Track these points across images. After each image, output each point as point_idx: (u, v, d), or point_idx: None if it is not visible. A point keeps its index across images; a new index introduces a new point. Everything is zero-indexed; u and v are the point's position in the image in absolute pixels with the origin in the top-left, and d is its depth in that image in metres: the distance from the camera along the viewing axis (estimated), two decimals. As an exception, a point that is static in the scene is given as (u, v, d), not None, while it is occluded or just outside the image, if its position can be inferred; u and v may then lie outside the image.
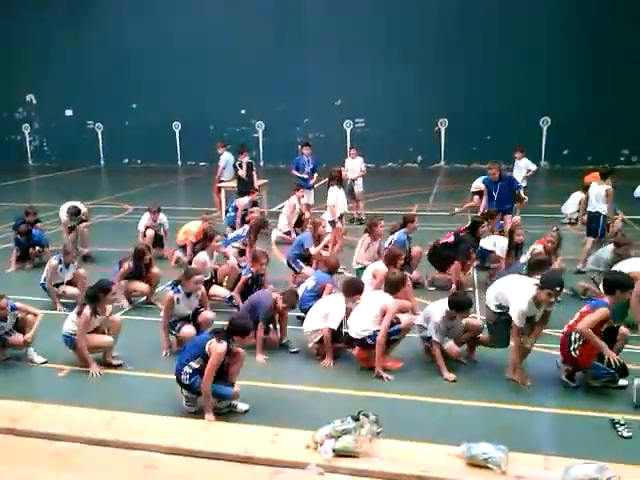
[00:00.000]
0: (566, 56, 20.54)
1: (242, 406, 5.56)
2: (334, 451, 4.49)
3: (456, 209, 13.64)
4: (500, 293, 6.25)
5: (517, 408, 5.62)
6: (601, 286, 7.51)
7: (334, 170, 11.79)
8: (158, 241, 10.66)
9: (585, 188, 11.59)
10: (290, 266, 9.23)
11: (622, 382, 5.82)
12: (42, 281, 8.30)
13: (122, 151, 25.34)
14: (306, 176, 13.29)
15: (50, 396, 5.71)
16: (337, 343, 6.67)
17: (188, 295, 6.77)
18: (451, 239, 8.90)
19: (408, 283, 7.47)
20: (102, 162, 25.85)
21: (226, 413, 5.49)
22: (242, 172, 13.19)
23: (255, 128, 24.20)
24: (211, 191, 14.60)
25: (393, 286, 6.68)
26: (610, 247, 8.38)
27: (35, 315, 6.68)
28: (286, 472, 4.41)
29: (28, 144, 26.71)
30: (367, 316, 6.35)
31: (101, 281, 6.64)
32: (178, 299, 6.70)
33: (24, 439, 4.88)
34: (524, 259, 8.48)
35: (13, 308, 6.56)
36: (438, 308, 6.35)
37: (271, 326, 7.15)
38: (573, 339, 5.81)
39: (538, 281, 5.92)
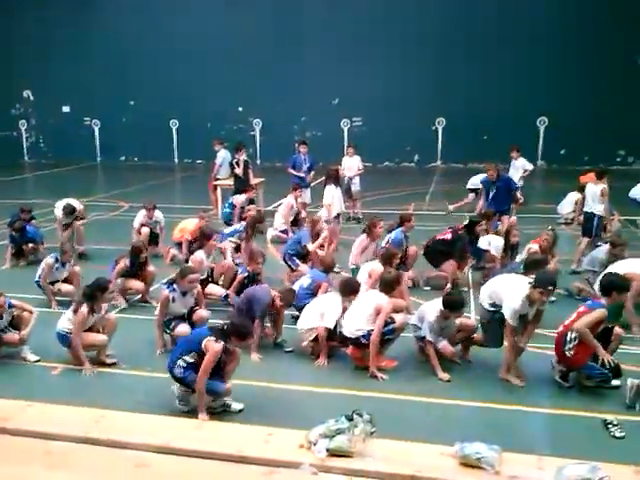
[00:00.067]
0: (563, 57, 20.57)
1: (236, 405, 5.55)
2: (328, 451, 4.49)
3: (450, 207, 13.69)
4: (494, 292, 6.27)
5: (511, 408, 5.63)
6: (596, 286, 7.55)
7: (331, 169, 11.79)
8: (153, 239, 10.63)
9: (581, 188, 11.61)
10: (286, 263, 9.23)
11: (615, 382, 5.85)
12: (37, 279, 8.27)
13: (119, 148, 25.28)
14: (303, 175, 13.29)
15: (43, 395, 5.69)
16: (331, 342, 6.67)
17: (184, 294, 6.76)
18: (448, 236, 8.92)
19: (403, 282, 7.49)
20: (99, 159, 25.79)
21: (220, 412, 5.49)
22: (239, 170, 13.18)
23: (252, 126, 24.17)
24: (207, 189, 14.59)
25: (388, 285, 6.69)
26: (605, 248, 8.39)
27: (30, 312, 6.66)
28: (280, 472, 4.41)
29: (24, 140, 26.62)
30: (361, 315, 6.35)
31: (98, 279, 6.62)
32: (174, 298, 6.69)
33: (16, 438, 4.87)
34: (520, 258, 8.51)
35: (10, 306, 6.55)
36: (432, 308, 6.35)
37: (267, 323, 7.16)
38: (568, 339, 5.82)
39: (531, 280, 5.94)
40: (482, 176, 12.86)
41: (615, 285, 5.97)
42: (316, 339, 6.64)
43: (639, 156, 21.55)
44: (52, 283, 8.29)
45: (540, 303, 5.90)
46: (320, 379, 6.26)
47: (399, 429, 5.00)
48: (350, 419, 4.68)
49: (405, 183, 18.44)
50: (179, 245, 10.12)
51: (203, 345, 5.25)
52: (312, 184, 13.55)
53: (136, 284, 8.38)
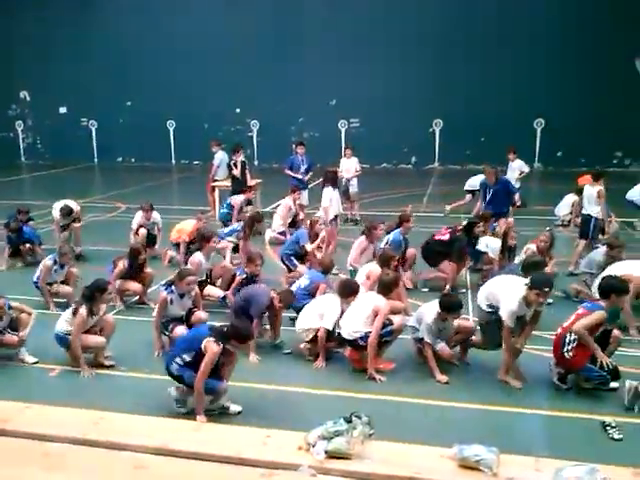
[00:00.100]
0: (561, 59, 20.62)
1: (234, 407, 5.55)
2: (326, 452, 4.49)
3: (447, 207, 13.73)
4: (491, 293, 6.29)
5: (509, 410, 5.64)
6: (593, 288, 7.58)
7: (329, 171, 11.78)
8: (150, 240, 10.61)
9: (578, 191, 11.65)
10: (284, 263, 9.22)
11: (613, 385, 5.85)
12: (35, 280, 8.26)
13: (116, 149, 25.27)
14: (300, 176, 13.29)
15: (41, 396, 5.68)
16: (329, 343, 6.66)
17: (181, 296, 6.75)
18: (446, 237, 8.93)
19: (401, 284, 7.49)
20: (96, 160, 25.76)
21: (218, 414, 5.48)
22: (237, 171, 13.18)
23: (250, 127, 24.18)
24: (205, 190, 14.58)
25: (386, 287, 6.69)
26: (603, 250, 8.41)
27: (29, 314, 6.66)
28: (278, 473, 4.41)
29: (21, 141, 26.59)
30: (359, 317, 6.35)
31: (97, 280, 6.62)
32: (172, 300, 6.68)
33: (14, 439, 4.86)
34: (518, 260, 8.53)
35: (9, 308, 6.54)
36: (430, 309, 6.35)
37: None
38: (567, 341, 5.83)
39: (527, 281, 5.95)
40: (480, 177, 12.90)
41: (614, 288, 5.98)
42: (313, 340, 6.63)
43: (636, 158, 21.61)
44: (50, 284, 8.26)
45: (537, 304, 5.90)
46: (318, 381, 6.25)
47: (397, 431, 5.01)
48: (348, 421, 4.68)
49: (403, 185, 18.45)
50: (176, 246, 10.11)
51: (203, 345, 5.25)
52: (310, 185, 13.55)
53: (134, 286, 8.36)
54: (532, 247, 8.37)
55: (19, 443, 4.82)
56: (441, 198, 15.33)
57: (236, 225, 10.21)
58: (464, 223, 9.39)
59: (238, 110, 23.91)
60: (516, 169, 14.25)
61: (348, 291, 6.72)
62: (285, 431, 4.91)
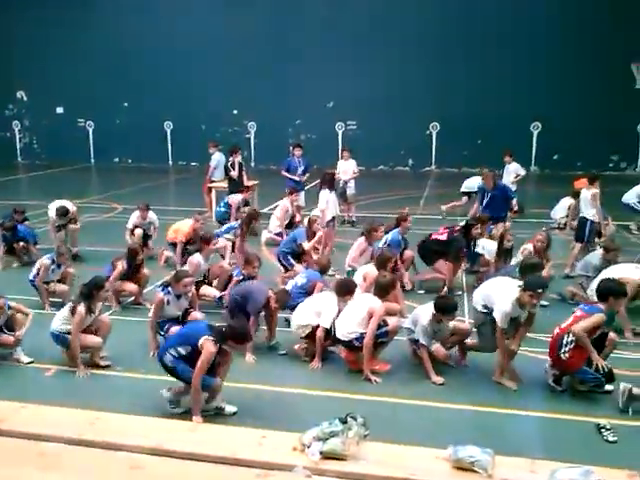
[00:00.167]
0: (558, 62, 20.66)
1: (230, 408, 5.55)
2: (321, 453, 4.49)
3: (443, 207, 13.76)
4: (486, 294, 6.31)
5: (504, 412, 5.66)
6: (589, 291, 7.60)
7: (327, 173, 11.80)
8: (145, 240, 10.60)
9: (575, 194, 11.68)
10: (280, 262, 9.23)
11: (608, 387, 5.87)
12: (31, 278, 8.28)
13: (113, 150, 25.22)
14: (297, 178, 13.29)
15: (37, 396, 5.66)
16: (324, 341, 6.66)
17: (178, 297, 6.76)
18: (444, 237, 8.94)
19: (397, 286, 7.50)
20: (92, 161, 25.71)
21: (213, 415, 5.48)
22: (234, 173, 13.19)
23: (247, 129, 24.18)
24: (202, 191, 14.58)
25: (383, 289, 6.70)
26: (599, 253, 8.44)
27: (27, 315, 6.66)
28: (273, 474, 4.41)
29: (18, 141, 26.53)
30: (354, 318, 6.35)
31: (95, 278, 6.63)
32: (168, 301, 6.69)
33: (9, 439, 4.85)
34: (515, 261, 8.56)
35: (8, 308, 6.55)
36: (425, 311, 6.37)
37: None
38: (564, 342, 5.84)
39: (521, 283, 5.97)
40: (476, 179, 12.92)
41: (613, 291, 6.00)
42: (308, 336, 6.63)
43: (632, 162, 21.70)
44: (47, 283, 8.28)
45: (530, 306, 5.93)
46: (314, 382, 6.26)
47: (393, 432, 5.01)
48: (344, 422, 4.68)
49: (399, 187, 18.47)
50: (173, 245, 10.11)
51: (200, 343, 5.25)
52: (306, 187, 13.56)
53: (130, 287, 8.37)
54: (529, 247, 8.40)
55: (14, 443, 4.81)
56: (438, 200, 15.34)
57: (234, 222, 10.23)
58: (462, 223, 9.42)
59: (235, 111, 23.91)
60: (512, 172, 14.29)
61: (345, 290, 6.73)
62: (280, 432, 4.90)
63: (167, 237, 10.30)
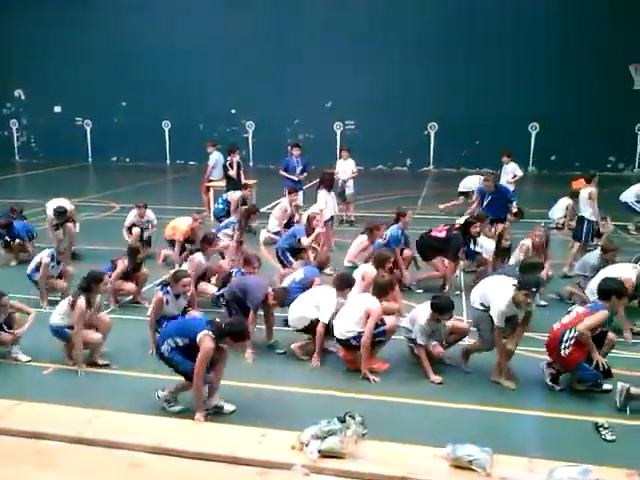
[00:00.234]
0: (557, 63, 20.70)
1: (228, 407, 5.55)
2: (320, 452, 4.50)
3: (440, 206, 13.78)
4: (483, 293, 6.34)
5: (502, 410, 5.67)
6: (587, 291, 7.62)
7: (326, 173, 11.79)
8: (144, 239, 10.58)
9: (573, 194, 11.70)
10: (279, 259, 9.22)
11: (606, 386, 5.90)
12: (29, 272, 8.34)
13: (110, 149, 25.19)
14: (296, 178, 13.29)
15: (35, 395, 5.66)
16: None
17: (177, 296, 6.76)
18: (443, 234, 8.95)
19: (396, 286, 7.50)
20: (90, 159, 25.68)
21: (212, 414, 5.48)
22: (232, 172, 13.18)
23: (245, 128, 24.17)
24: (200, 190, 14.57)
25: (382, 289, 6.69)
26: (597, 252, 8.45)
27: (28, 314, 6.68)
28: (272, 472, 4.41)
29: (15, 140, 26.48)
30: (351, 317, 6.36)
31: (93, 271, 6.65)
32: (167, 300, 6.69)
33: (6, 437, 4.84)
34: (514, 258, 8.58)
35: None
36: (423, 311, 6.37)
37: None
38: (565, 338, 5.84)
39: (516, 282, 5.99)
40: (474, 178, 12.93)
41: (615, 290, 6.02)
42: (306, 330, 6.63)
43: (630, 162, 21.75)
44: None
45: (526, 304, 5.95)
46: (312, 381, 6.26)
47: (391, 431, 5.02)
48: (342, 421, 4.69)
49: (398, 187, 18.48)
50: (170, 242, 10.10)
51: (199, 338, 5.25)
52: (304, 187, 13.56)
53: (129, 286, 8.36)
54: (527, 242, 8.42)
55: (11, 441, 4.80)
56: (436, 200, 15.37)
57: (232, 218, 10.23)
58: (460, 220, 9.42)
59: (234, 111, 23.91)
60: (510, 172, 14.30)
61: (344, 284, 6.75)
62: (279, 430, 4.91)
63: (165, 234, 10.29)
